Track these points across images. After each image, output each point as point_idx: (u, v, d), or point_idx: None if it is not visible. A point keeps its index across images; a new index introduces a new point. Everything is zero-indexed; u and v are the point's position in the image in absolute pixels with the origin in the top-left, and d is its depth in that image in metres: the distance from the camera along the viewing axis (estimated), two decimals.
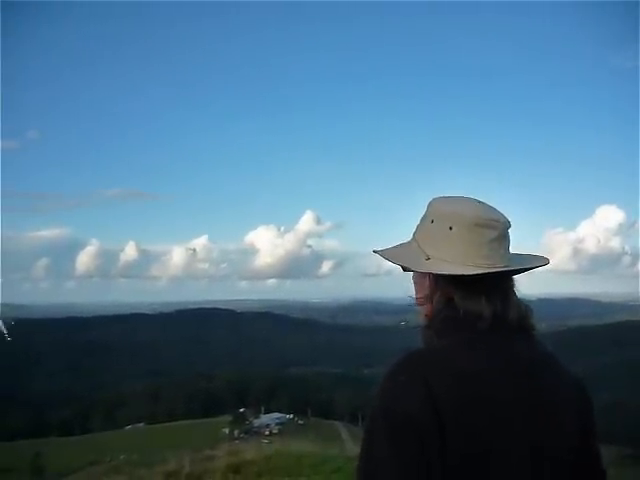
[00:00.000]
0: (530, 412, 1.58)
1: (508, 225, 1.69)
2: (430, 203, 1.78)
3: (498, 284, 1.66)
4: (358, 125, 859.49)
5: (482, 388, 1.53)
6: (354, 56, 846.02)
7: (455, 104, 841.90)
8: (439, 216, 1.72)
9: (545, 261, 1.77)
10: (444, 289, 1.68)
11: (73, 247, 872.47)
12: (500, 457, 1.52)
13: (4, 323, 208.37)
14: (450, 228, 1.68)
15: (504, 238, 1.68)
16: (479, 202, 1.72)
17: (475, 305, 1.62)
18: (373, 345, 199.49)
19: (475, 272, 1.61)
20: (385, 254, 1.79)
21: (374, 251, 1.82)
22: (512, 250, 1.75)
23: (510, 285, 1.70)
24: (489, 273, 1.62)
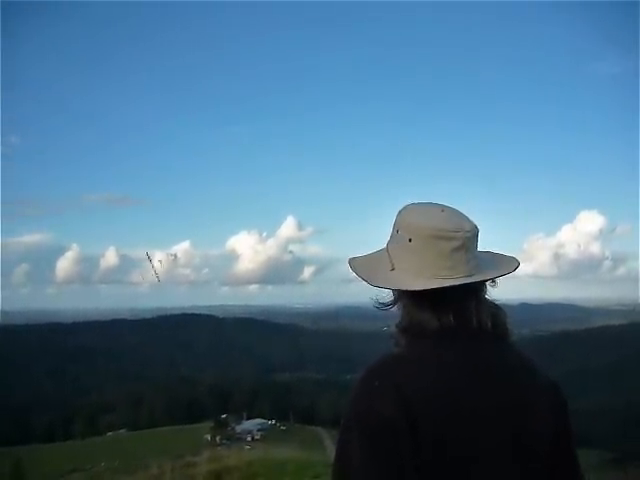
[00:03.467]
0: (499, 413, 1.59)
1: (473, 232, 1.69)
2: (399, 211, 1.78)
3: (462, 293, 1.66)
4: (341, 130, 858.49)
5: (452, 391, 1.55)
6: (336, 60, 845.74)
7: (439, 109, 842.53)
8: (403, 227, 1.73)
9: (512, 267, 1.75)
10: (406, 299, 1.73)
11: (53, 253, 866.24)
12: (473, 458, 1.53)
13: None
14: (410, 240, 1.69)
15: (468, 247, 1.67)
16: (443, 210, 1.71)
17: (435, 314, 1.65)
18: (355, 350, 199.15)
19: (427, 287, 1.63)
20: (354, 264, 1.82)
21: (349, 260, 1.84)
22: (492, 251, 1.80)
23: (479, 291, 1.71)
24: (445, 287, 1.63)
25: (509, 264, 1.77)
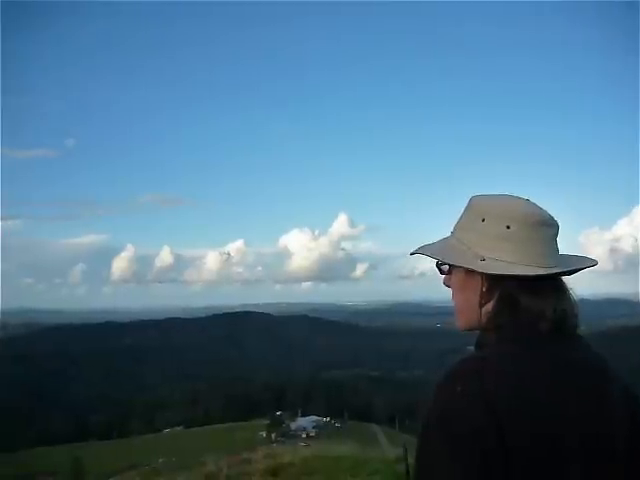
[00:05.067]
0: (590, 419, 1.51)
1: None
2: (473, 201, 1.70)
3: (560, 285, 1.60)
4: (392, 128, 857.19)
5: (542, 396, 1.48)
6: (394, 59, 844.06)
7: (486, 109, 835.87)
8: (493, 214, 1.63)
9: (594, 262, 1.67)
10: (503, 291, 1.58)
11: (109, 253, 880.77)
12: (558, 461, 1.46)
13: (42, 329, 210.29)
14: (508, 227, 1.59)
15: (556, 237, 1.63)
16: (527, 200, 1.64)
17: (537, 307, 1.55)
18: (409, 348, 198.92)
19: (536, 273, 1.55)
20: (430, 252, 1.70)
21: (415, 252, 1.71)
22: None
23: (567, 286, 1.63)
24: (551, 274, 1.57)
25: (584, 259, 1.69)
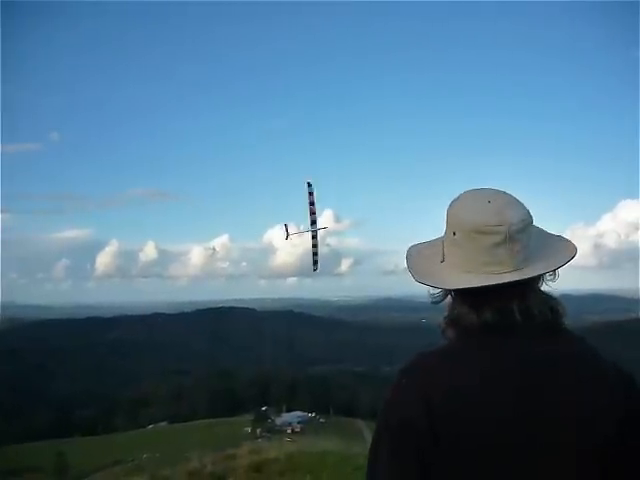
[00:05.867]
0: (536, 411, 1.56)
1: (523, 224, 1.64)
2: (451, 202, 1.76)
3: (507, 287, 1.62)
4: (377, 122, 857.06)
5: (476, 394, 1.54)
6: (376, 53, 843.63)
7: (476, 101, 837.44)
8: (449, 220, 1.73)
9: (565, 259, 1.70)
10: (453, 293, 1.74)
11: (93, 248, 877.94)
12: (493, 454, 1.53)
13: (26, 324, 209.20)
14: (454, 234, 1.69)
15: (516, 239, 1.62)
16: (490, 201, 1.66)
17: (474, 309, 1.64)
18: (394, 343, 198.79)
19: (466, 286, 1.64)
20: (410, 253, 1.85)
21: (409, 249, 1.87)
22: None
23: (531, 283, 1.67)
24: (487, 285, 1.61)
25: (563, 254, 1.72)
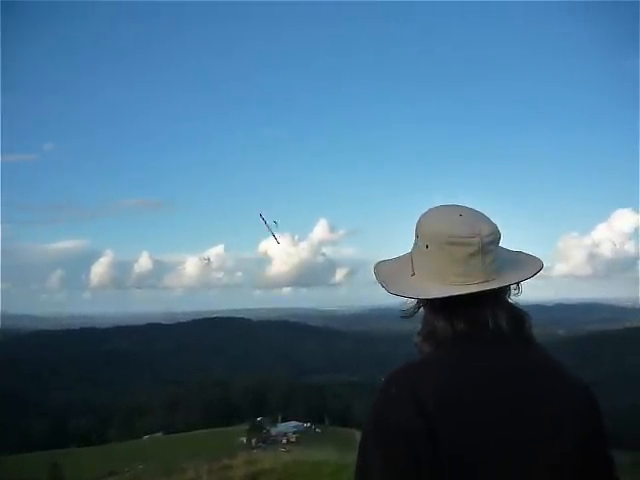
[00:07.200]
0: (515, 418, 1.58)
1: (494, 236, 1.66)
2: (420, 217, 1.78)
3: (478, 298, 1.64)
4: (372, 131, 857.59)
5: (469, 402, 1.55)
6: (368, 61, 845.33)
7: (469, 109, 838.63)
8: (420, 233, 1.74)
9: (532, 272, 1.74)
10: (424, 305, 1.76)
11: (88, 258, 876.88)
12: (488, 462, 1.54)
13: (20, 335, 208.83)
14: (426, 246, 1.70)
15: (487, 251, 1.65)
16: (461, 214, 1.69)
17: (448, 321, 1.66)
18: (389, 352, 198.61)
19: (439, 295, 1.65)
20: (378, 269, 1.86)
21: (375, 265, 1.88)
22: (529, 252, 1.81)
23: (499, 294, 1.69)
24: (462, 294, 1.63)
25: (532, 267, 1.75)
